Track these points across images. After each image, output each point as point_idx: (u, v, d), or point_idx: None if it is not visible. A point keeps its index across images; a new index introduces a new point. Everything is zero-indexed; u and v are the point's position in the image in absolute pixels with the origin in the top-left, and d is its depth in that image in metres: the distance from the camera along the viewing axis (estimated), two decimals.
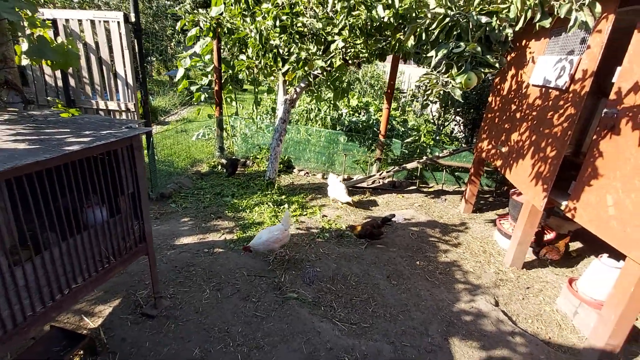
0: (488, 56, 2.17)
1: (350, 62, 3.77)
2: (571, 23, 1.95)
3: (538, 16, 2.10)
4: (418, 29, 2.65)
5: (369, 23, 3.03)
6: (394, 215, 4.27)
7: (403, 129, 8.04)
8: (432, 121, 8.87)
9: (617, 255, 2.82)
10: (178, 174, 5.74)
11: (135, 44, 4.22)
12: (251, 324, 2.68)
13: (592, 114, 4.69)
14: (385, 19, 3.23)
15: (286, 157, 6.66)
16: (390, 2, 3.05)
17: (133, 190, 2.26)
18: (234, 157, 6.42)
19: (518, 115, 4.05)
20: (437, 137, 7.98)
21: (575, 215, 3.01)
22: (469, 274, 3.72)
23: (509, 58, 4.53)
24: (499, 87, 4.72)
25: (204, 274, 3.21)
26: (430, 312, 3.04)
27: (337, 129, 7.04)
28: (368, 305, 3.07)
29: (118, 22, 4.00)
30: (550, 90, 3.43)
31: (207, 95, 6.95)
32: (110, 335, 2.41)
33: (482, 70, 2.20)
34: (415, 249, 4.14)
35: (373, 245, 4.10)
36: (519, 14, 2.15)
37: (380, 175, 5.93)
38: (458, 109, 7.86)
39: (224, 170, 6.09)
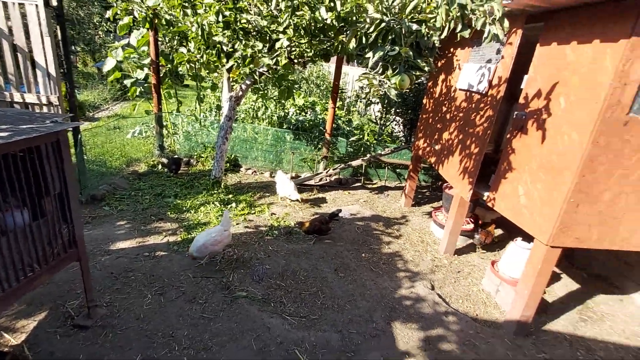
0: (419, 60, 2.39)
1: (295, 61, 3.84)
2: (485, 35, 2.24)
3: (459, 27, 2.36)
4: (358, 32, 2.81)
5: (312, 24, 3.12)
6: (340, 211, 4.44)
7: (348, 128, 8.35)
8: (374, 121, 9.31)
9: (530, 238, 3.27)
10: (112, 175, 5.30)
11: (59, 31, 3.82)
12: (198, 325, 2.61)
13: (508, 116, 5.34)
14: (329, 21, 3.35)
15: (233, 156, 6.51)
16: (332, 5, 3.16)
17: (60, 190, 2.07)
18: (176, 156, 6.10)
19: (448, 116, 4.47)
20: (380, 137, 8.41)
21: (495, 204, 3.43)
22: (409, 263, 4.02)
23: (440, 64, 4.96)
24: (432, 90, 5.15)
25: (145, 278, 3.04)
26: (375, 300, 3.23)
27: (284, 127, 7.07)
28: (317, 298, 3.16)
29: (36, 6, 3.58)
30: (473, 94, 3.85)
31: (142, 90, 6.49)
32: (36, 351, 2.18)
33: (414, 73, 2.41)
34: (361, 242, 4.35)
35: (321, 241, 4.22)
36: (444, 24, 2.39)
37: (327, 172, 6.09)
38: (398, 110, 8.37)
39: (165, 169, 5.77)
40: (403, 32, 2.40)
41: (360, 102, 10.83)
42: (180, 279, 3.11)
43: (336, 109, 10.61)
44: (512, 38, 3.25)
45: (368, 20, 2.58)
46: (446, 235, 4.29)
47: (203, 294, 2.95)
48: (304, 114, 8.91)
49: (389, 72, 2.41)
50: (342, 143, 6.76)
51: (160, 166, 5.90)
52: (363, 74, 2.47)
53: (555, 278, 4.06)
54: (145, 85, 6.58)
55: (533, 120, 3.01)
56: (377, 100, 8.07)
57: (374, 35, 2.48)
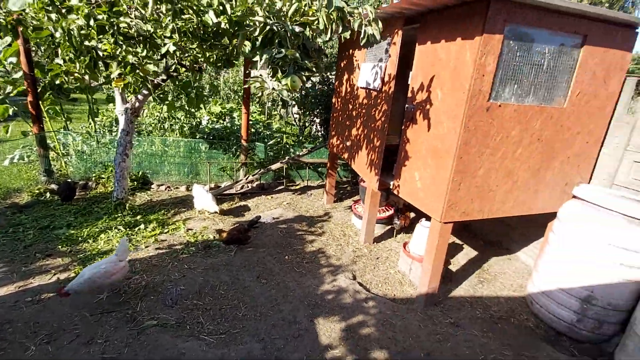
0: (306, 61, 2.45)
1: (189, 67, 3.64)
2: (362, 35, 2.40)
3: (340, 29, 2.48)
4: (251, 36, 2.77)
5: (201, 28, 2.99)
6: (259, 218, 4.36)
7: (268, 132, 8.29)
8: (294, 123, 9.41)
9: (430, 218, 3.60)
10: None
11: None
12: None
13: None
14: (223, 25, 3.25)
15: (140, 173, 5.95)
16: (221, 8, 3.07)
17: None
18: (69, 180, 5.35)
19: (354, 113, 4.71)
20: (301, 138, 8.52)
21: (399, 191, 3.71)
22: (331, 258, 4.12)
23: (342, 65, 5.21)
24: (338, 89, 5.37)
25: (27, 328, 2.59)
26: (298, 300, 3.24)
27: (198, 137, 6.70)
28: (238, 311, 3.05)
29: None
30: (371, 91, 4.11)
31: (16, 108, 5.55)
32: None
33: (304, 74, 2.47)
34: (284, 245, 4.33)
35: (242, 250, 4.09)
36: (327, 26, 2.49)
37: (246, 179, 5.95)
38: (315, 111, 8.58)
39: (56, 197, 5.01)
40: (288, 34, 2.44)
41: (278, 105, 10.85)
42: (74, 321, 2.72)
43: (256, 113, 10.52)
44: (396, 38, 3.54)
45: (257, 24, 2.56)
46: (364, 226, 4.51)
47: (103, 332, 2.62)
48: (221, 122, 8.59)
49: (279, 74, 2.43)
50: (260, 148, 6.66)
51: (49, 194, 5.10)
52: (252, 77, 2.45)
53: (458, 249, 4.57)
54: (19, 102, 5.63)
55: (419, 111, 3.32)
56: (294, 102, 8.16)
57: (260, 38, 2.47)
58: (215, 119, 8.99)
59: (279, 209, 5.49)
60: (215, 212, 4.89)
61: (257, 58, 2.37)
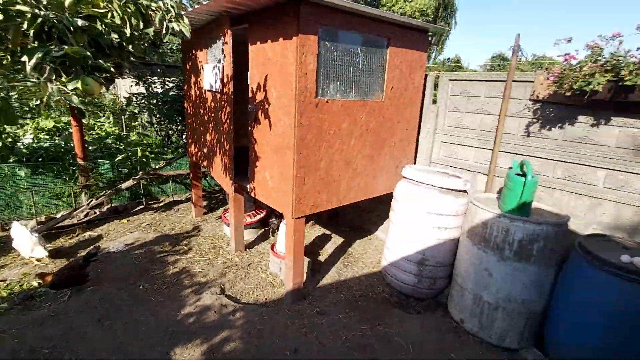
0: (101, 60, 2.10)
1: None
2: (164, 31, 2.19)
3: (141, 24, 2.21)
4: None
5: None
6: (98, 248, 3.69)
7: (123, 147, 7.21)
8: (150, 134, 8.47)
9: None
10: None
11: None
12: None
13: None
14: None
15: None
16: None
17: None
18: None
19: (205, 117, 4.43)
20: (164, 149, 7.71)
21: (256, 193, 3.64)
22: (197, 275, 3.79)
23: (188, 66, 4.85)
24: (188, 93, 4.99)
25: None
26: (151, 335, 2.83)
27: (12, 160, 5.30)
28: None
29: None
30: (215, 94, 3.92)
31: None
32: None
33: (100, 75, 2.11)
34: (139, 273, 3.77)
35: (81, 291, 3.38)
36: (124, 20, 2.18)
37: (89, 205, 5.00)
38: (178, 118, 7.86)
39: None
40: (72, 29, 2.04)
41: (141, 115, 9.56)
42: None
43: (106, 125, 9.05)
44: (227, 38, 3.43)
45: (26, 14, 2.06)
46: (232, 234, 4.30)
47: None
48: (55, 139, 7.06)
49: (64, 77, 2.01)
50: (105, 166, 5.69)
51: None
52: (17, 82, 1.97)
53: (327, 239, 4.82)
54: None
55: (260, 111, 3.30)
56: (144, 110, 7.30)
57: (31, 32, 2.00)
58: (47, 136, 7.37)
59: (136, 233, 4.79)
60: (42, 257, 3.90)
61: (25, 58, 1.90)
